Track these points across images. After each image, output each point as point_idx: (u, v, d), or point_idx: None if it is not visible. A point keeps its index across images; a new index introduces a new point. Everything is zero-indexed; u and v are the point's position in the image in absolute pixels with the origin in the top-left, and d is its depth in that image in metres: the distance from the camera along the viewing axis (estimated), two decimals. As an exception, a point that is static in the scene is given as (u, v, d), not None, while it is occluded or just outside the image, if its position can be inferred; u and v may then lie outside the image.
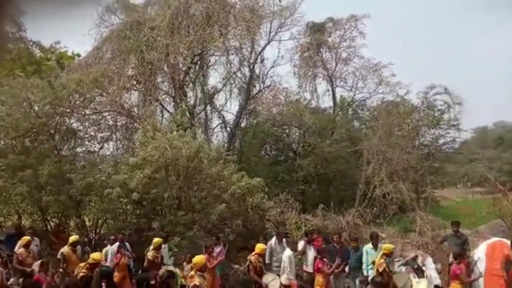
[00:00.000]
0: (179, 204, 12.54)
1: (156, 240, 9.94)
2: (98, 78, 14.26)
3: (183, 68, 18.04)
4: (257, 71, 19.80)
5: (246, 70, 19.68)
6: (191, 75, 18.58)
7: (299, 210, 13.85)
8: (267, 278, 9.56)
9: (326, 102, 21.42)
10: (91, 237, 13.13)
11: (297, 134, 19.96)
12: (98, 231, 13.26)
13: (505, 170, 22.29)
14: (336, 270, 10.11)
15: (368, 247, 10.60)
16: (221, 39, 17.74)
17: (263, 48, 19.56)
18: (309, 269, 10.85)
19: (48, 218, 13.36)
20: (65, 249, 9.98)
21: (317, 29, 20.71)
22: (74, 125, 14.72)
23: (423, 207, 15.21)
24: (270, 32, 19.12)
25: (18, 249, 10.00)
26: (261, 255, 10.00)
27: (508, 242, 10.59)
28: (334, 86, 21.05)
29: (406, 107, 20.09)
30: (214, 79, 20.02)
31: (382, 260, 8.99)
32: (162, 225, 11.74)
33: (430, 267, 10.42)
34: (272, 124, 19.18)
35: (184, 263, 10.26)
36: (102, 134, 15.31)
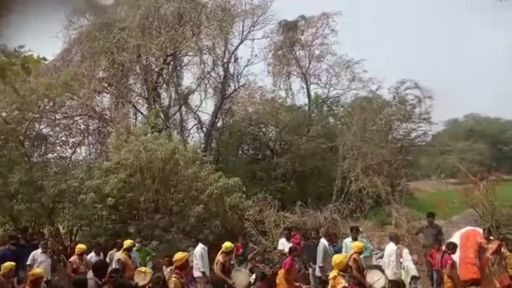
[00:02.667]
0: (156, 207, 12.37)
1: (127, 242, 9.58)
2: (68, 82, 13.89)
3: (156, 69, 17.80)
4: (231, 70, 19.78)
5: (220, 70, 19.59)
6: (164, 76, 18.34)
7: (277, 208, 13.92)
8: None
9: (301, 100, 21.63)
10: (66, 245, 12.78)
11: (273, 132, 20.03)
12: (73, 238, 12.92)
13: (476, 161, 22.99)
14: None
15: (347, 240, 10.71)
16: (194, 39, 17.59)
17: (237, 47, 19.57)
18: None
19: (20, 227, 12.91)
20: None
21: (289, 27, 20.84)
22: (44, 130, 14.29)
23: (398, 200, 15.52)
24: (243, 31, 19.16)
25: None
26: (228, 253, 9.76)
27: (481, 230, 10.93)
28: (309, 83, 21.27)
29: (379, 103, 20.51)
30: (188, 79, 19.91)
31: (354, 256, 8.83)
32: (139, 229, 11.56)
33: (407, 259, 10.61)
34: (249, 123, 19.18)
35: (164, 267, 10.10)
36: (74, 139, 14.93)
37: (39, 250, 9.67)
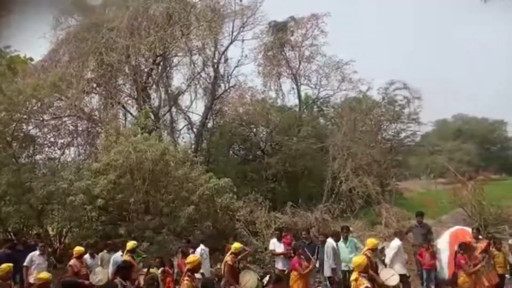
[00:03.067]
0: (147, 209, 12.29)
1: (130, 243, 9.50)
2: (56, 82, 13.73)
3: (145, 70, 17.71)
4: (221, 71, 19.79)
5: (210, 70, 19.58)
6: (154, 76, 18.24)
7: (268, 208, 13.92)
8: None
9: (291, 100, 21.69)
10: (56, 247, 12.62)
11: (264, 133, 20.04)
12: (62, 240, 12.76)
13: (465, 161, 23.24)
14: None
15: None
16: (183, 39, 17.53)
17: (227, 48, 19.57)
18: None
19: (9, 229, 12.73)
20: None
21: (279, 28, 20.90)
22: (33, 131, 14.08)
23: (388, 199, 15.62)
24: (232, 32, 19.19)
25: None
26: (237, 254, 9.51)
27: (469, 229, 11.07)
28: (299, 84, 21.34)
29: (368, 103, 20.66)
30: (178, 80, 19.79)
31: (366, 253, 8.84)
32: (130, 231, 11.46)
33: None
34: (239, 123, 19.16)
35: (154, 268, 10.03)
36: (62, 140, 14.75)
37: (37, 252, 9.62)
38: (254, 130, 19.89)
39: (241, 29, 19.34)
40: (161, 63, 18.32)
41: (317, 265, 10.60)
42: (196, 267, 7.01)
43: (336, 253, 9.89)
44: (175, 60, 19.20)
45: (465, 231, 11.10)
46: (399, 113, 20.58)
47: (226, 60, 19.86)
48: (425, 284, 10.90)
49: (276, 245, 11.30)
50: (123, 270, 7.36)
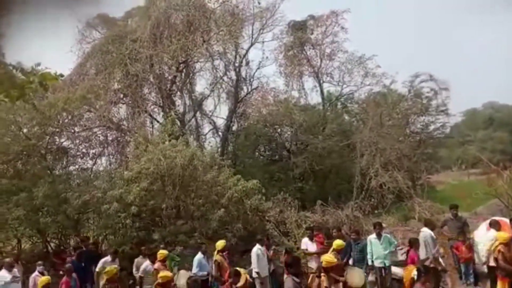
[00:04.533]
0: (178, 213, 12.49)
1: (161, 252, 9.81)
2: (84, 95, 14.17)
3: (169, 77, 18.01)
4: (243, 74, 19.90)
5: (232, 74, 19.73)
6: (178, 83, 18.54)
7: (298, 208, 13.88)
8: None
9: (314, 99, 21.57)
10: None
11: (289, 132, 19.98)
12: (99, 247, 13.12)
13: (497, 150, 22.43)
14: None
15: (372, 237, 10.61)
16: (204, 45, 17.76)
17: (247, 51, 19.67)
18: (313, 265, 10.88)
19: (48, 239, 13.19)
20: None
21: (299, 28, 20.83)
22: (65, 143, 14.61)
23: (420, 193, 15.30)
24: (252, 34, 19.25)
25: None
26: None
27: (507, 220, 10.71)
28: (321, 82, 21.20)
29: (394, 97, 20.30)
30: (201, 85, 20.12)
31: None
32: (163, 236, 11.68)
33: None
34: (263, 125, 19.19)
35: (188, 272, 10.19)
36: (93, 150, 15.23)
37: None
38: (279, 130, 19.87)
39: (261, 31, 19.40)
40: (184, 70, 18.61)
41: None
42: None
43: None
44: (198, 66, 19.46)
45: (504, 222, 10.75)
46: (426, 106, 20.10)
47: (247, 63, 19.99)
48: (463, 277, 10.64)
49: (308, 245, 11.29)
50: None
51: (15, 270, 9.62)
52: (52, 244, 13.14)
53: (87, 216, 12.59)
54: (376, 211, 14.54)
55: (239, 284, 8.00)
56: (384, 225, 11.89)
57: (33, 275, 9.76)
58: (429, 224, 10.68)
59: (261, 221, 13.37)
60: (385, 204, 14.67)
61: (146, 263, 9.95)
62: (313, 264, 10.93)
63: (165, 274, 7.77)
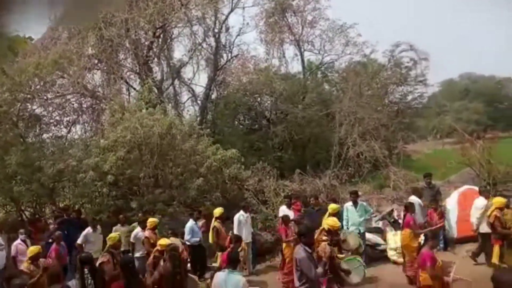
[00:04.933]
0: (156, 182, 12.41)
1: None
2: (57, 60, 13.60)
3: (146, 43, 17.41)
4: (223, 40, 19.43)
5: (211, 41, 19.21)
6: (155, 49, 17.96)
7: (276, 177, 13.99)
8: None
9: (295, 67, 21.40)
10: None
11: (269, 101, 19.87)
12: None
13: (472, 120, 22.92)
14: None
15: (348, 204, 10.86)
16: (183, 10, 17.14)
17: (227, 16, 19.14)
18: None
19: (22, 208, 12.98)
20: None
21: (281, -7, 20.32)
22: (38, 110, 14.10)
23: (395, 162, 15.61)
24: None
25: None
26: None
27: (477, 188, 11.08)
28: (302, 50, 21.00)
29: (374, 67, 20.32)
30: (179, 52, 19.59)
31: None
32: (141, 204, 11.64)
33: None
34: (243, 93, 19.00)
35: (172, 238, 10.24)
36: (67, 118, 14.80)
37: (90, 230, 9.90)
38: (259, 99, 19.73)
39: (241, -5, 18.85)
40: (162, 36, 18.00)
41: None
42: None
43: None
44: (175, 31, 18.83)
45: (474, 191, 11.12)
46: (405, 76, 20.25)
47: (227, 29, 19.50)
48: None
49: (285, 212, 11.45)
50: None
51: None
52: (26, 213, 12.92)
53: (62, 185, 12.36)
54: (352, 180, 14.81)
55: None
56: (360, 193, 12.15)
57: (15, 243, 9.63)
58: (416, 192, 10.97)
59: (240, 189, 13.45)
60: (361, 173, 14.93)
61: (137, 230, 9.98)
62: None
63: (164, 242, 7.74)
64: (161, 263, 7.45)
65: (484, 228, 9.54)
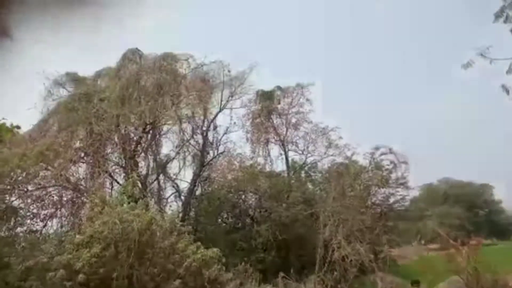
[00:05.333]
0: (130, 283, 11.60)
1: None
2: (43, 152, 13.59)
3: (135, 138, 17.79)
4: (210, 138, 20.04)
5: (199, 138, 19.83)
6: (143, 144, 18.31)
7: (259, 280, 13.33)
8: None
9: (279, 166, 21.80)
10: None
11: (253, 199, 19.86)
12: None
13: (455, 225, 23.05)
14: None
15: None
16: (173, 108, 17.89)
17: (215, 116, 19.99)
18: None
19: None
20: None
21: (266, 97, 21.64)
22: (15, 202, 13.64)
23: (382, 267, 15.18)
24: (221, 101, 19.71)
25: None
26: None
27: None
28: (287, 150, 21.65)
29: (356, 168, 20.84)
30: (167, 147, 19.86)
31: None
32: (112, 308, 10.73)
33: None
34: (228, 190, 19.00)
35: None
36: (45, 211, 14.31)
37: None
38: (243, 196, 19.71)
39: (230, 98, 19.95)
40: (151, 131, 18.48)
41: None
42: None
43: None
44: (165, 128, 19.41)
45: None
46: (387, 178, 20.73)
47: (215, 128, 20.22)
48: None
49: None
50: None
51: None
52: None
53: (29, 284, 11.43)
54: (338, 286, 14.18)
55: None
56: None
57: None
58: None
59: (220, 293, 12.65)
60: (347, 278, 14.38)
61: None
62: None
63: None
64: None
65: None
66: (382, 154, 21.16)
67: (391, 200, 21.25)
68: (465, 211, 27.77)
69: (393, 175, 20.92)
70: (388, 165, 21.06)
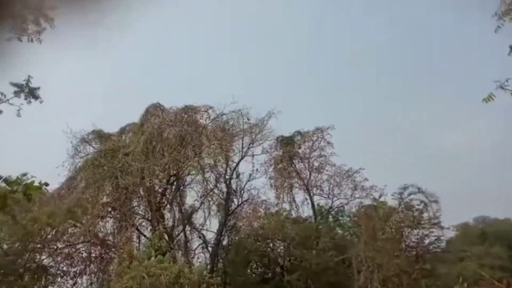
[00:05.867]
0: None
1: None
2: (71, 208, 13.75)
3: (159, 190, 17.89)
4: (233, 186, 19.94)
5: (223, 186, 19.74)
6: (168, 196, 18.38)
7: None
8: None
9: (305, 211, 21.34)
10: None
11: (281, 247, 19.29)
12: None
13: (496, 266, 21.70)
14: None
15: None
16: (196, 159, 18.07)
17: (237, 164, 20.00)
18: None
19: None
20: None
21: (287, 142, 21.63)
22: (46, 261, 13.65)
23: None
24: (242, 148, 19.84)
25: None
26: None
27: None
28: (312, 194, 21.24)
29: (385, 210, 20.20)
30: (191, 197, 19.82)
31: None
32: None
33: None
34: (255, 239, 18.59)
35: None
36: (75, 269, 14.25)
37: None
38: (271, 245, 19.19)
39: (250, 145, 20.05)
40: (175, 183, 18.60)
41: None
42: None
43: None
44: (188, 178, 19.53)
45: None
46: (418, 218, 19.94)
47: (238, 175, 20.17)
48: None
49: None
50: None
51: None
52: None
53: None
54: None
55: None
56: None
57: None
58: None
59: None
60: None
61: None
62: None
63: None
64: None
65: None
66: (410, 193, 20.50)
67: (426, 241, 20.26)
68: (506, 250, 26.24)
69: (425, 215, 20.09)
70: (418, 205, 20.31)
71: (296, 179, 21.59)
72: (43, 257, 13.65)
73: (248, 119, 19.92)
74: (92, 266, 15.25)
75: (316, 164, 21.62)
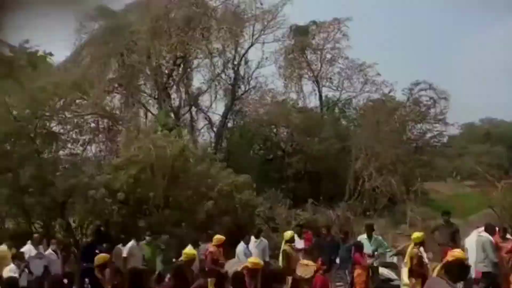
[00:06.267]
0: (166, 203, 12.24)
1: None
2: (77, 81, 13.96)
3: (166, 71, 17.86)
4: (241, 72, 19.75)
5: (230, 72, 19.57)
6: (174, 77, 18.37)
7: (289, 205, 13.65)
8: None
9: (312, 102, 21.44)
10: (78, 238, 12.67)
11: (285, 133, 19.82)
12: (84, 232, 12.80)
13: (494, 164, 22.14)
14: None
15: (362, 237, 10.34)
16: (204, 42, 17.71)
17: (247, 50, 19.56)
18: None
19: (32, 220, 12.89)
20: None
21: (301, 32, 20.82)
22: (55, 128, 14.30)
23: (413, 199, 15.10)
24: (253, 35, 19.15)
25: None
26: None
27: (497, 228, 10.46)
28: (320, 86, 21.13)
29: (392, 104, 20.19)
30: (198, 80, 19.85)
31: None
32: (150, 224, 11.41)
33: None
34: (260, 124, 19.02)
35: (174, 260, 9.87)
36: (84, 137, 14.93)
37: (134, 243, 9.88)
38: (275, 130, 19.71)
39: (262, 32, 19.32)
40: (182, 65, 18.46)
41: (338, 261, 10.27)
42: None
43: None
44: (196, 62, 19.31)
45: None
46: (424, 113, 19.99)
47: (246, 62, 19.86)
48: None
49: (296, 241, 10.99)
50: None
51: (40, 246, 9.61)
52: (36, 225, 12.80)
53: (73, 200, 12.28)
54: (367, 213, 14.32)
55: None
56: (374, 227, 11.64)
57: (47, 252, 9.54)
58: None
59: (251, 216, 13.11)
60: (377, 207, 14.45)
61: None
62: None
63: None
64: None
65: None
66: (421, 89, 20.26)
67: (428, 135, 20.59)
68: (507, 151, 26.63)
69: (432, 111, 20.12)
70: (427, 101, 20.21)
71: (306, 70, 21.30)
72: (53, 124, 14.24)
73: (261, 4, 18.98)
74: (100, 136, 16.02)
75: (328, 56, 21.09)
